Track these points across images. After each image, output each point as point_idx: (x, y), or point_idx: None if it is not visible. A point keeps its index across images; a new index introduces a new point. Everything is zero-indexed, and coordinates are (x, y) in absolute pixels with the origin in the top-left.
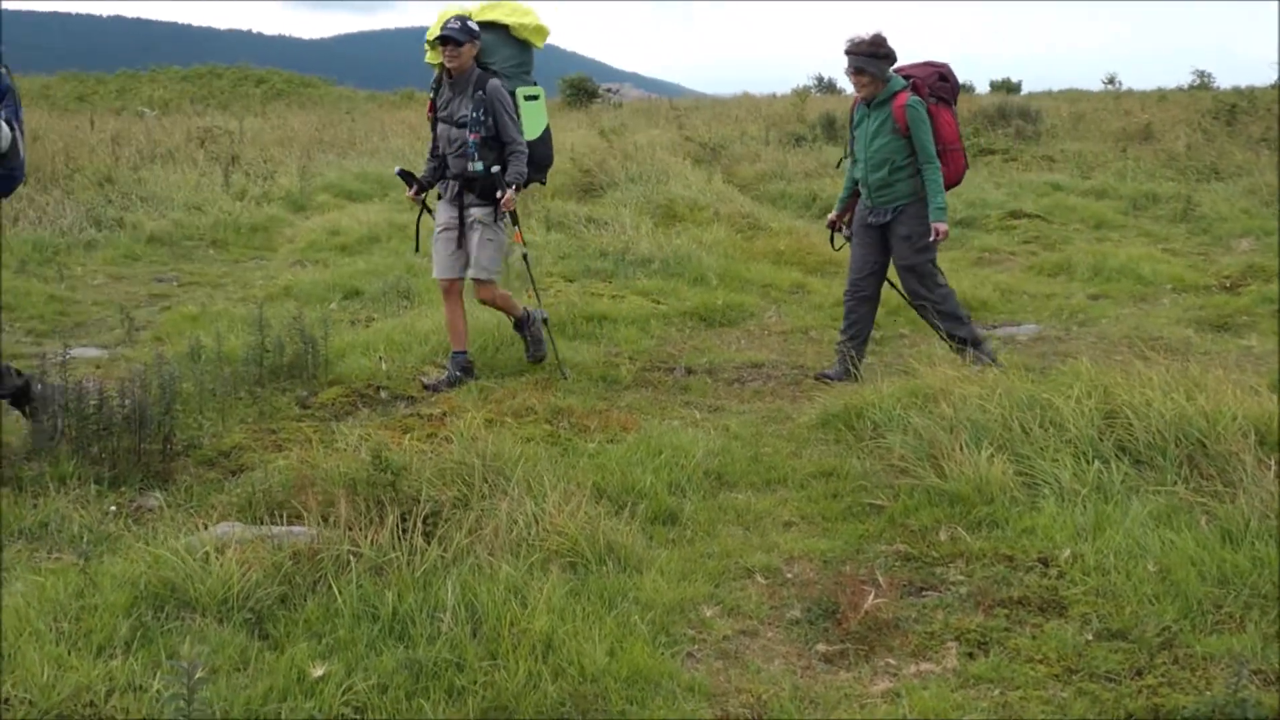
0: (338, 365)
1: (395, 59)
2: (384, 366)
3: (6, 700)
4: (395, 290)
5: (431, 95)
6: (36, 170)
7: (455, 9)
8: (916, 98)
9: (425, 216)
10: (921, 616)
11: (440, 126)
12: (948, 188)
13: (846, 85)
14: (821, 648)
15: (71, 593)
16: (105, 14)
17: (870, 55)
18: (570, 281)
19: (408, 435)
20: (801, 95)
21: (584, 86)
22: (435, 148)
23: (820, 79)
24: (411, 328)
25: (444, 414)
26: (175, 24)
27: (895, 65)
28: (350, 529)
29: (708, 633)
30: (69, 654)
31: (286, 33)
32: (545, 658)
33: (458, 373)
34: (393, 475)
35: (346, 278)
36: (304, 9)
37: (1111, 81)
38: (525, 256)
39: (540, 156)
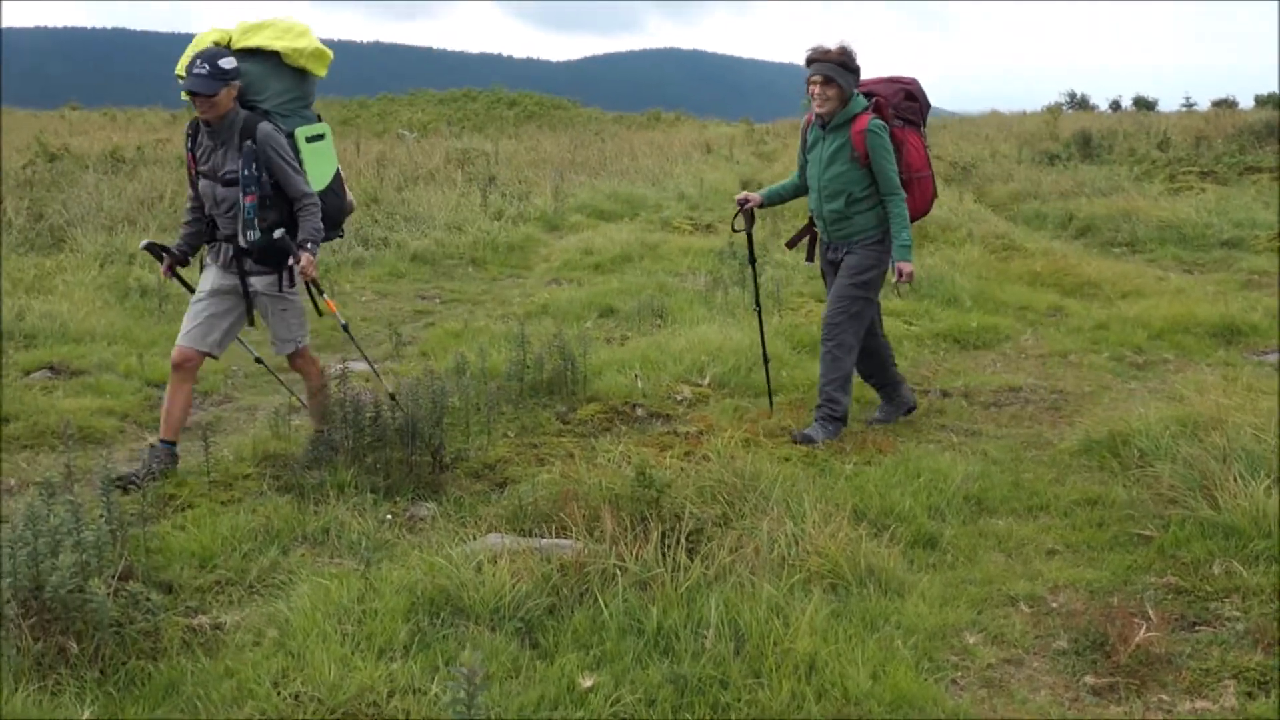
0: (595, 382)
1: (640, 80)
2: (640, 384)
3: (297, 697)
4: (649, 309)
5: (188, 145)
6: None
7: (215, 35)
8: (878, 121)
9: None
10: (1196, 652)
11: (202, 183)
12: (916, 218)
13: (1101, 101)
14: (1090, 680)
15: (353, 597)
16: (365, 40)
17: (843, 65)
18: (821, 302)
19: (666, 453)
20: (1054, 112)
21: None
22: (196, 206)
23: (1073, 95)
24: (666, 346)
25: (700, 432)
26: (430, 49)
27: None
28: (615, 543)
29: (971, 660)
30: (353, 655)
31: (536, 56)
32: (809, 678)
33: (156, 466)
34: (656, 492)
35: (601, 296)
36: (552, 32)
37: None
38: (345, 328)
39: (332, 209)
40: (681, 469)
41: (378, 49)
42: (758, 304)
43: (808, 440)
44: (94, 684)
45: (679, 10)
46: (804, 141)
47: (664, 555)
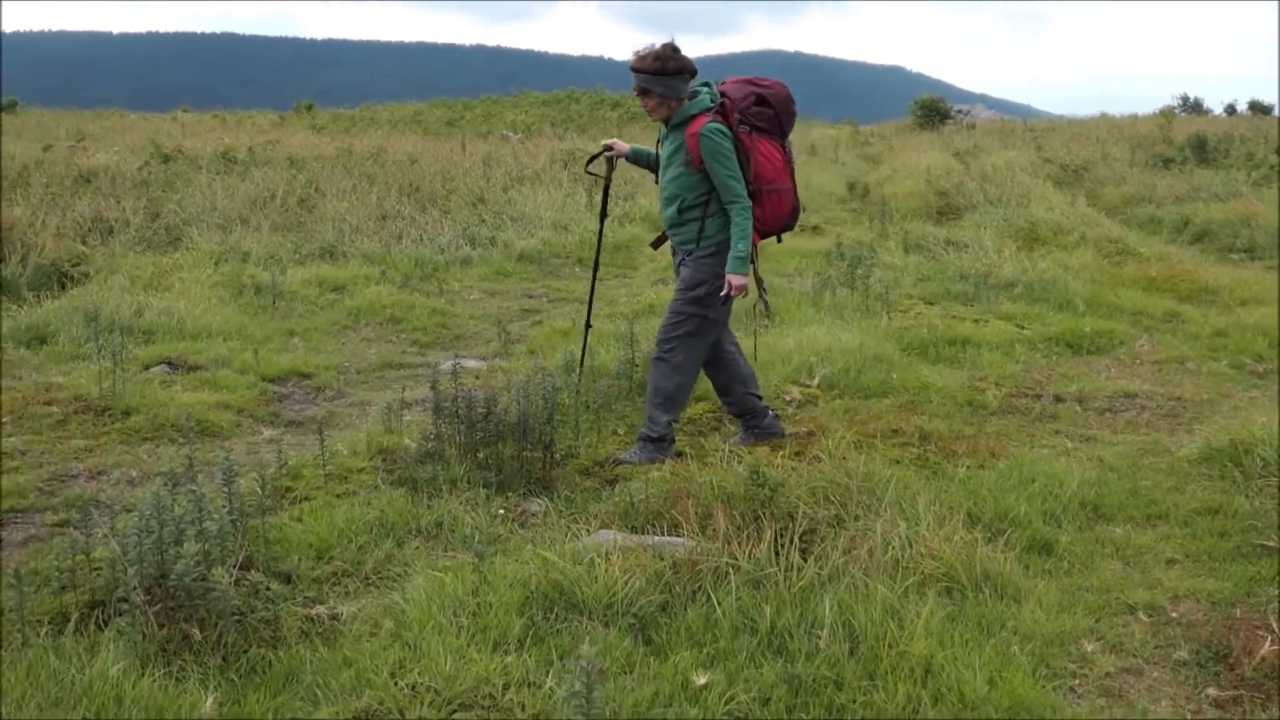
0: (702, 382)
1: None
2: None
3: (414, 687)
4: (755, 310)
5: None
6: (416, 191)
7: None
8: (716, 124)
9: None
10: None
11: None
12: (770, 233)
13: (1216, 105)
14: (1212, 692)
15: (468, 590)
16: (468, 43)
17: (656, 73)
18: (930, 304)
19: (777, 453)
20: (1167, 115)
21: (936, 108)
22: None
23: (1185, 98)
24: (773, 346)
25: (810, 433)
26: (532, 51)
27: (719, 83)
28: (728, 542)
29: (1089, 668)
30: (468, 647)
31: None
32: (924, 682)
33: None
34: (770, 491)
35: None
36: (652, 35)
37: None
38: None
39: None
40: (793, 469)
41: (481, 52)
42: (596, 265)
43: (623, 463)
44: (216, 671)
45: (779, 10)
46: (659, 140)
47: (777, 555)
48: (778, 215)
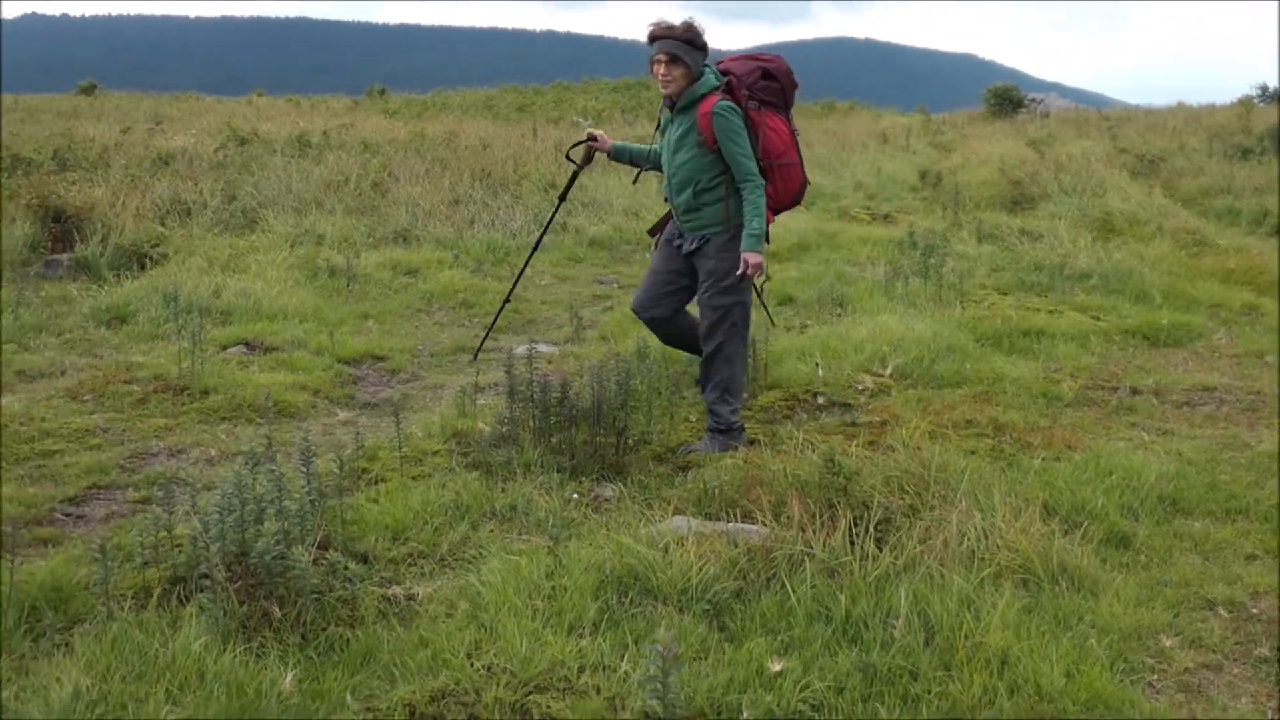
0: (775, 369)
1: (812, 70)
2: (820, 373)
3: (490, 668)
4: (828, 297)
5: None
6: (488, 176)
7: None
8: (727, 102)
9: None
10: None
11: None
12: (782, 208)
13: None
14: None
15: (543, 573)
16: (538, 29)
17: (689, 43)
18: (1004, 295)
19: (850, 442)
20: (1245, 105)
21: (1009, 96)
22: None
23: (1264, 88)
24: (846, 335)
25: (883, 422)
26: (602, 37)
27: (716, 62)
28: (803, 530)
29: (1168, 663)
30: (543, 629)
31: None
32: (1000, 673)
33: None
34: (845, 480)
35: (778, 284)
36: (718, 22)
37: None
38: None
39: None
40: (868, 458)
41: (551, 38)
42: (538, 242)
43: (691, 452)
44: (296, 648)
45: None
46: (659, 124)
47: (852, 543)
48: (789, 190)
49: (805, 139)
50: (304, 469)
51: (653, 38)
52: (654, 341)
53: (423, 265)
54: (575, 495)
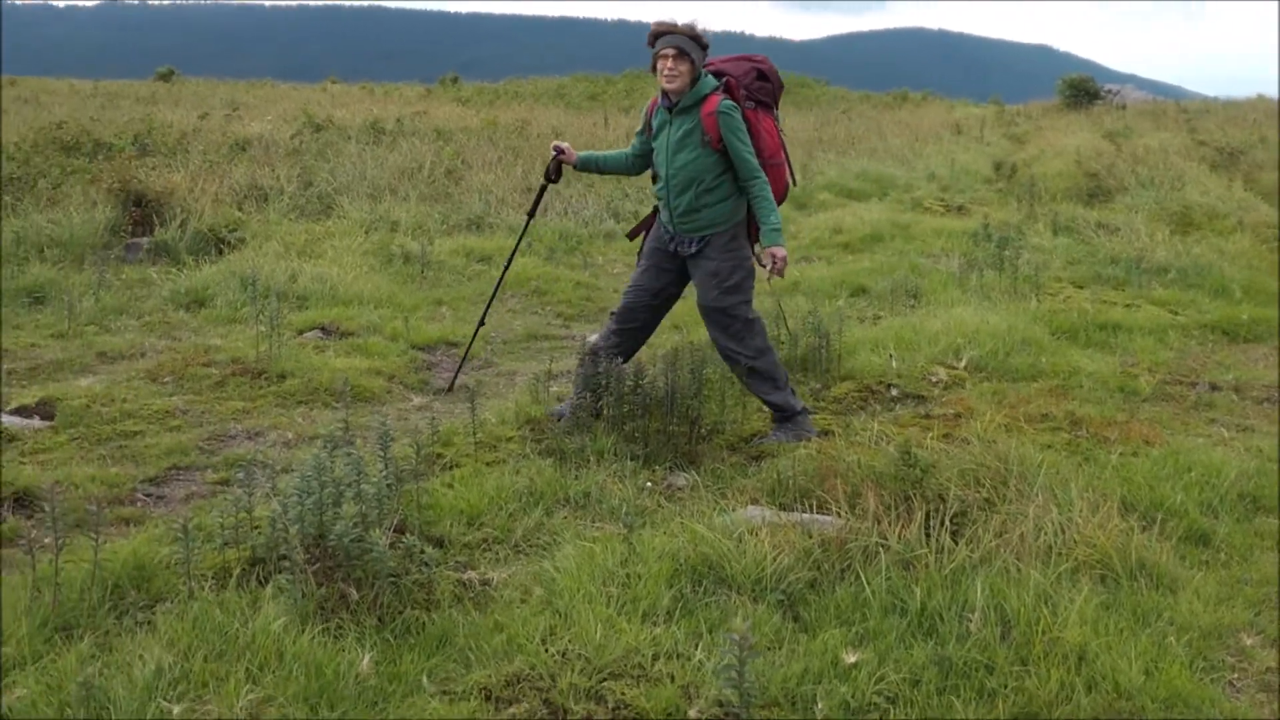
0: (849, 360)
1: (886, 60)
2: (894, 364)
3: (564, 654)
4: (902, 289)
5: None
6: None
7: None
8: (729, 101)
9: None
10: None
11: None
12: None
13: None
14: None
15: (617, 560)
16: (609, 18)
17: (692, 39)
18: (1080, 288)
19: (925, 434)
20: None
21: (1085, 88)
22: None
23: None
24: (920, 327)
25: (958, 415)
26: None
27: (705, 62)
28: (878, 521)
29: (1248, 662)
30: (618, 617)
31: (777, 34)
32: (1078, 669)
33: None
34: (920, 472)
35: (852, 275)
36: (794, 11)
37: None
38: None
39: None
40: (943, 451)
41: (621, 27)
42: (509, 262)
43: (769, 441)
44: (372, 630)
45: None
46: (647, 126)
47: (927, 536)
48: (777, 191)
49: (877, 130)
50: (382, 453)
51: (656, 34)
52: None
53: (496, 252)
54: (648, 484)
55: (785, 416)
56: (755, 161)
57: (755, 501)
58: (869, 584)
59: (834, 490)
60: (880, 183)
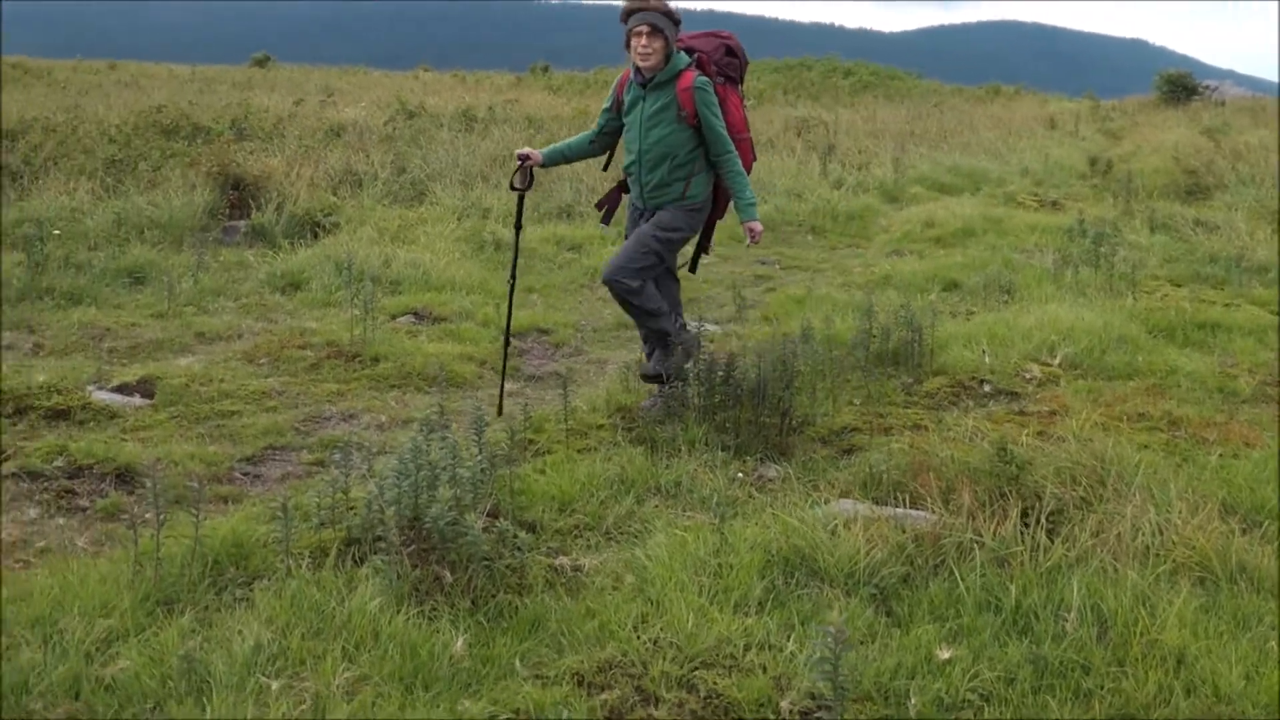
0: (941, 355)
1: (978, 53)
2: (987, 360)
3: (656, 642)
4: (995, 284)
5: None
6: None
7: None
8: (704, 77)
9: None
10: None
11: None
12: None
13: None
14: None
15: (709, 550)
16: (698, 8)
17: (665, 15)
18: (1178, 286)
19: (1020, 431)
20: None
21: (1182, 83)
22: None
23: None
24: (1013, 323)
25: (1052, 413)
26: (761, 18)
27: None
28: (972, 517)
29: None
30: (709, 606)
31: (868, 27)
32: (1177, 672)
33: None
34: (1016, 469)
35: (944, 269)
36: (886, 3)
37: None
38: None
39: None
40: (1038, 448)
41: (711, 18)
42: (513, 276)
43: (656, 377)
44: (466, 613)
45: None
46: (618, 102)
47: (1022, 533)
48: (745, 165)
49: (969, 124)
50: (476, 438)
51: (629, 11)
52: (819, 323)
53: (585, 241)
54: (739, 474)
55: (665, 344)
56: (728, 137)
57: (847, 494)
58: (963, 580)
59: (927, 485)
60: (972, 177)
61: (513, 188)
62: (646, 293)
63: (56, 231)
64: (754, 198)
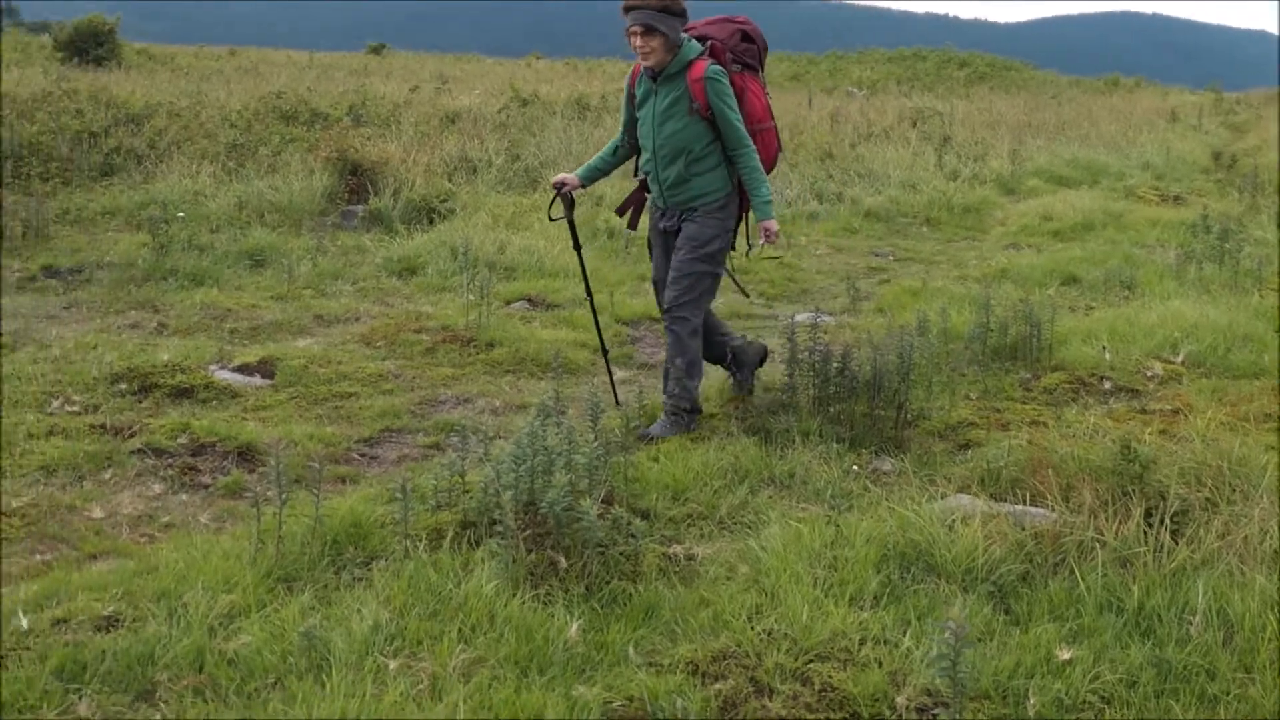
0: (1059, 351)
1: (1096, 44)
2: (1107, 356)
3: (770, 633)
4: (1116, 279)
5: None
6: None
7: None
8: (717, 66)
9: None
10: None
11: None
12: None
13: None
14: None
15: (824, 542)
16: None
17: (664, 10)
18: None
19: (1143, 429)
20: None
21: None
22: None
23: None
24: (1134, 319)
25: (1175, 411)
26: (874, 8)
27: (684, 26)
28: (1094, 516)
29: None
30: (824, 598)
31: (983, 17)
32: None
33: None
34: (1140, 468)
35: (1062, 263)
36: None
37: None
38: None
39: None
40: (1162, 447)
41: (824, 7)
42: (589, 292)
43: (649, 438)
44: (580, 599)
45: None
46: (630, 97)
47: (1146, 534)
48: (768, 157)
49: (1088, 116)
50: (592, 425)
51: (627, 8)
52: (934, 317)
53: None
54: (854, 467)
55: (683, 409)
56: (743, 129)
57: (965, 490)
58: (1083, 580)
59: (1047, 482)
60: (1091, 170)
61: (551, 219)
62: (690, 327)
63: (180, 214)
64: (769, 195)
